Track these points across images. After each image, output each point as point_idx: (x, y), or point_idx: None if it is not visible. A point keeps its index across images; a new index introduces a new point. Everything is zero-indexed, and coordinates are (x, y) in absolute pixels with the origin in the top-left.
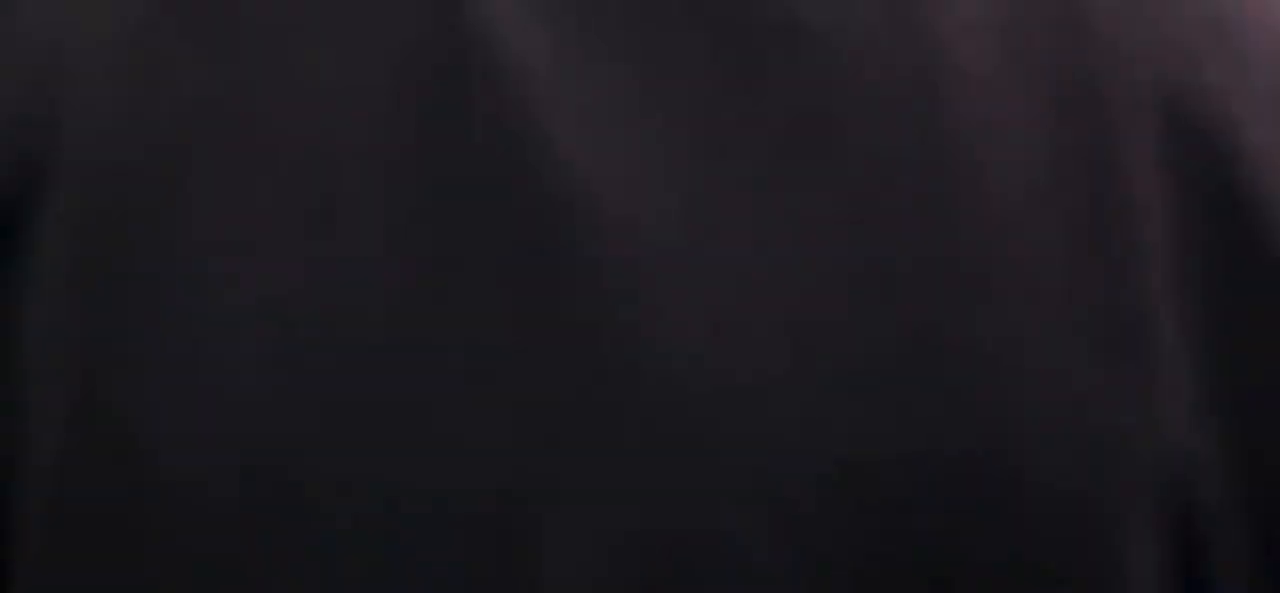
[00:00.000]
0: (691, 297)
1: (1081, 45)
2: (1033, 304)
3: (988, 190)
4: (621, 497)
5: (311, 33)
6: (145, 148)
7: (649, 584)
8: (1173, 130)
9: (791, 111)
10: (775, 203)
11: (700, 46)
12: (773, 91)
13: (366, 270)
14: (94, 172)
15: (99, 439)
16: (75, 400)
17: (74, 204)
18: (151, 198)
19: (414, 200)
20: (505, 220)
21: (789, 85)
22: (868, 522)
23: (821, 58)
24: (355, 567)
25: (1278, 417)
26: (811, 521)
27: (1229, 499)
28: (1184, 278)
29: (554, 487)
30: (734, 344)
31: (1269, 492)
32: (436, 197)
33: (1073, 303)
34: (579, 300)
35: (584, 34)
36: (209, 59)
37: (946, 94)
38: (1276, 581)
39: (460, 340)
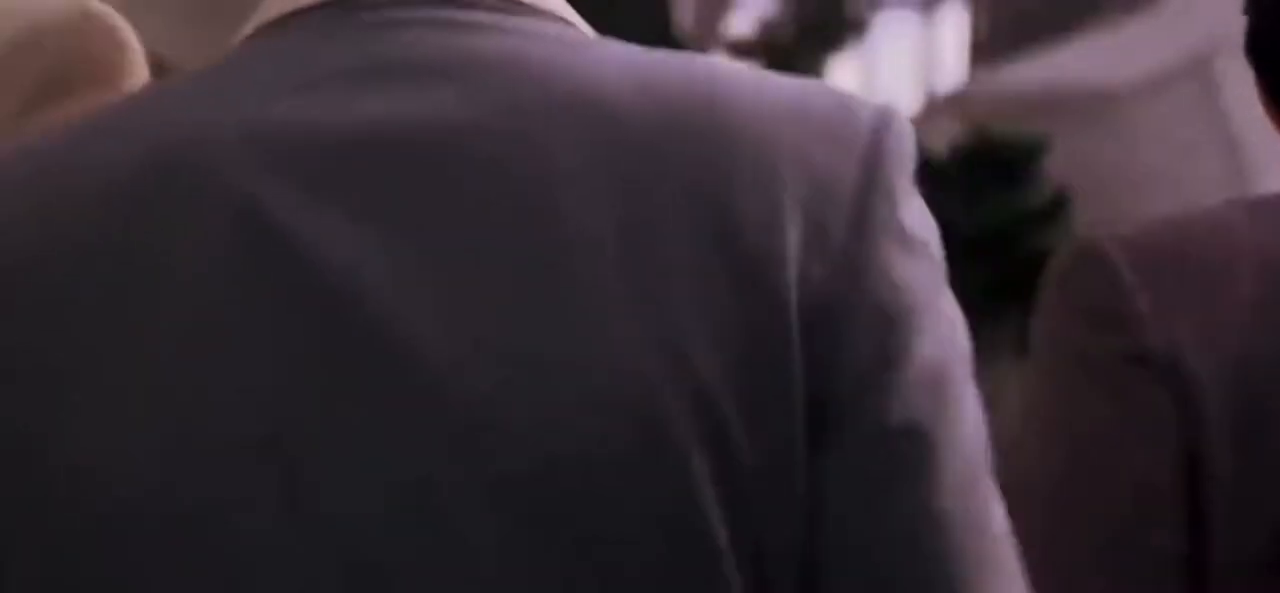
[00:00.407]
0: (425, 326)
1: (643, 163)
2: (606, 324)
3: (580, 260)
4: (381, 451)
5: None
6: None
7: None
8: (696, 209)
9: (472, 218)
10: (465, 269)
11: (438, 202)
12: (466, 215)
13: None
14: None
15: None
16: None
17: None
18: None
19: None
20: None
21: (472, 206)
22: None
23: (480, 188)
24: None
25: (763, 382)
26: (501, 473)
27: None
28: (706, 301)
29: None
30: (448, 353)
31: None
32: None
33: (635, 318)
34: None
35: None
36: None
37: (565, 214)
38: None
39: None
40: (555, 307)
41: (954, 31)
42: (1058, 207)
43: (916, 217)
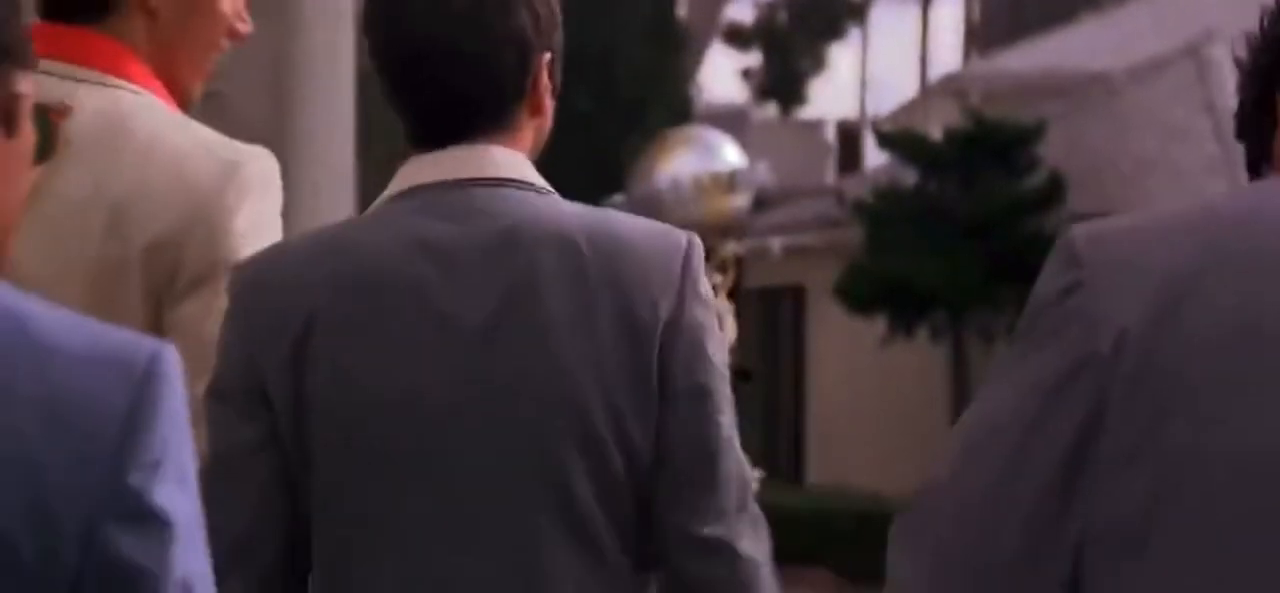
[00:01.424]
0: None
1: (620, 254)
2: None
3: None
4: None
5: None
6: None
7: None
8: (611, 296)
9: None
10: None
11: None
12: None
13: None
14: None
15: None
16: None
17: None
18: None
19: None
20: None
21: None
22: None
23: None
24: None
25: (680, 402)
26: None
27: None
28: (614, 345)
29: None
30: (512, 364)
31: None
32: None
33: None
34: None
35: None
36: None
37: (545, 297)
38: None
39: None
40: (539, 344)
41: (951, 18)
42: (1053, 190)
43: (706, 288)
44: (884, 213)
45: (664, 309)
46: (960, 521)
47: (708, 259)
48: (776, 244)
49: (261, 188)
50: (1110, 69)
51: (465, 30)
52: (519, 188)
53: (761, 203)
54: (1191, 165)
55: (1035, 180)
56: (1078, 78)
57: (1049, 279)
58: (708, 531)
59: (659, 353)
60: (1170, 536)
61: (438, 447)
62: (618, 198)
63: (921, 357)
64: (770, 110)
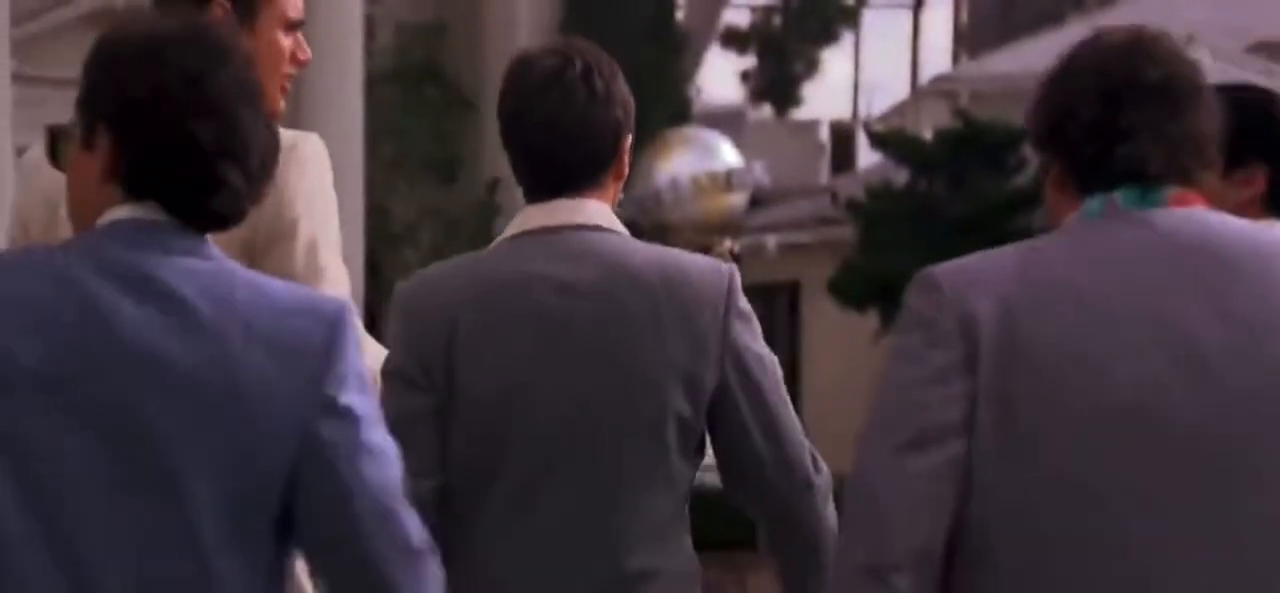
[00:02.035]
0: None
1: (683, 282)
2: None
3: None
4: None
5: None
6: None
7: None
8: (678, 315)
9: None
10: None
11: None
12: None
13: None
14: None
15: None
16: None
17: None
18: None
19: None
20: None
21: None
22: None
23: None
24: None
25: (748, 370)
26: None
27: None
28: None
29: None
30: (639, 359)
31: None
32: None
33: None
34: None
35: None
36: None
37: (630, 314)
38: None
39: None
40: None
41: (941, 22)
42: (1040, 189)
43: (745, 304)
44: (876, 211)
45: (713, 322)
46: (861, 525)
47: (705, 255)
48: (772, 241)
49: (313, 162)
50: None
51: (580, 122)
52: (605, 232)
53: (757, 201)
54: None
55: (1023, 179)
56: None
57: (918, 298)
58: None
59: (719, 355)
60: (1014, 463)
61: (546, 420)
62: (620, 196)
63: None
64: (766, 111)
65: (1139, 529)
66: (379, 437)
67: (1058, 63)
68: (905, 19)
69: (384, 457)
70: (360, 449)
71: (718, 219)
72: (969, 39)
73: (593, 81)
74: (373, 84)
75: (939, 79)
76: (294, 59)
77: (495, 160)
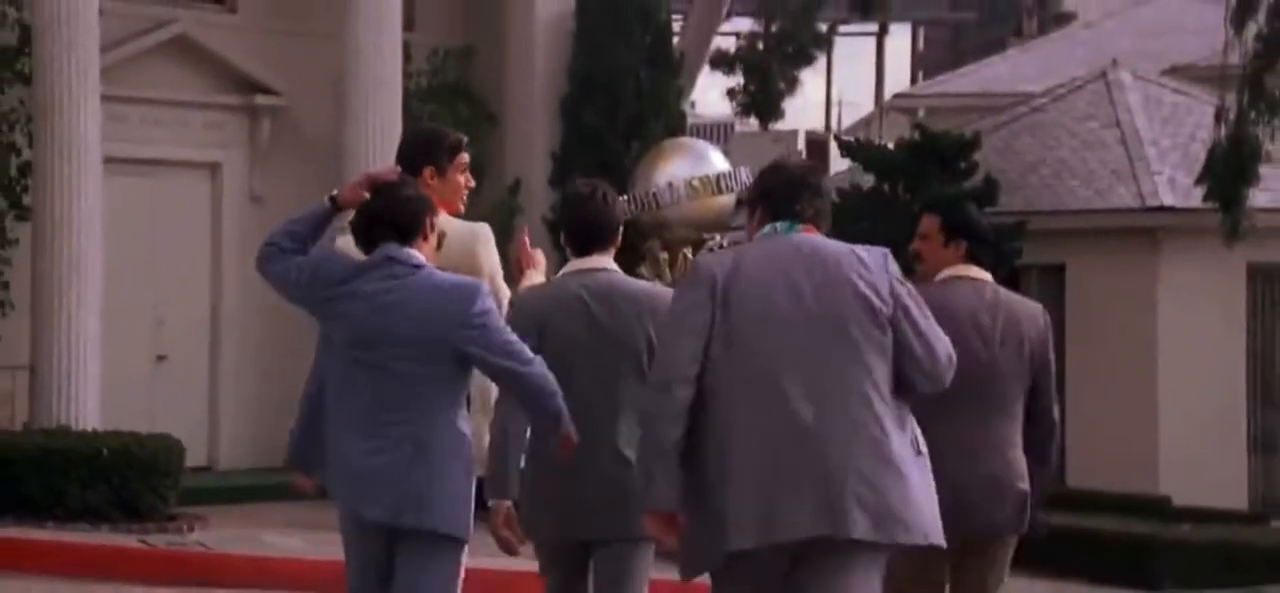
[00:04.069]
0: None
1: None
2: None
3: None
4: None
5: None
6: None
7: None
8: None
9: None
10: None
11: None
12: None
13: None
14: None
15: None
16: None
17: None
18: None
19: None
20: None
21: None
22: None
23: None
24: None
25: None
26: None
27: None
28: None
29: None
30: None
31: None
32: None
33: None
34: None
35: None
36: None
37: (624, 316)
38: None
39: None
40: (630, 332)
41: (902, 47)
42: (988, 191)
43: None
44: (846, 210)
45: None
46: (661, 365)
47: (698, 249)
48: None
49: (486, 238)
50: (1034, 90)
51: (602, 217)
52: (611, 272)
53: (743, 201)
54: (1101, 170)
55: (973, 182)
56: (1007, 97)
57: (689, 275)
58: None
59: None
60: (726, 387)
61: (581, 363)
62: (622, 198)
63: None
64: (752, 123)
65: (775, 365)
66: (496, 326)
67: (769, 166)
68: (871, 45)
69: (499, 335)
70: (489, 333)
71: (709, 217)
72: (925, 62)
73: (605, 199)
74: (410, 101)
75: (900, 96)
76: (466, 185)
77: (515, 165)
